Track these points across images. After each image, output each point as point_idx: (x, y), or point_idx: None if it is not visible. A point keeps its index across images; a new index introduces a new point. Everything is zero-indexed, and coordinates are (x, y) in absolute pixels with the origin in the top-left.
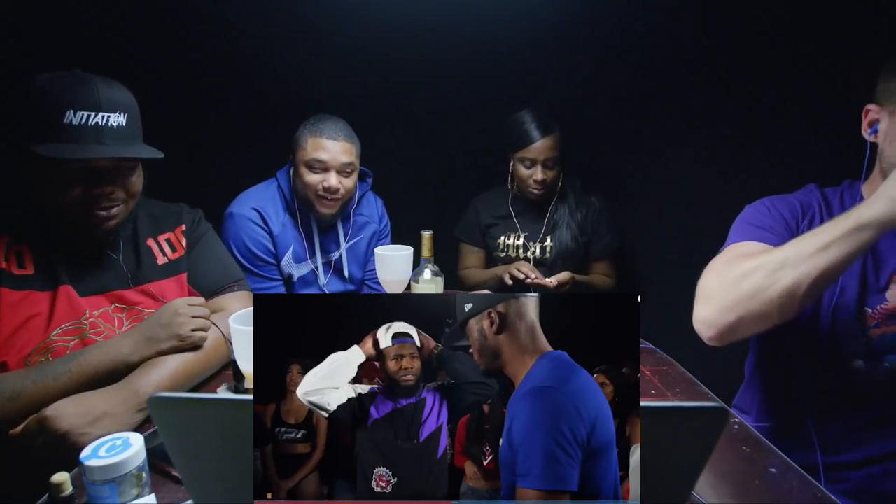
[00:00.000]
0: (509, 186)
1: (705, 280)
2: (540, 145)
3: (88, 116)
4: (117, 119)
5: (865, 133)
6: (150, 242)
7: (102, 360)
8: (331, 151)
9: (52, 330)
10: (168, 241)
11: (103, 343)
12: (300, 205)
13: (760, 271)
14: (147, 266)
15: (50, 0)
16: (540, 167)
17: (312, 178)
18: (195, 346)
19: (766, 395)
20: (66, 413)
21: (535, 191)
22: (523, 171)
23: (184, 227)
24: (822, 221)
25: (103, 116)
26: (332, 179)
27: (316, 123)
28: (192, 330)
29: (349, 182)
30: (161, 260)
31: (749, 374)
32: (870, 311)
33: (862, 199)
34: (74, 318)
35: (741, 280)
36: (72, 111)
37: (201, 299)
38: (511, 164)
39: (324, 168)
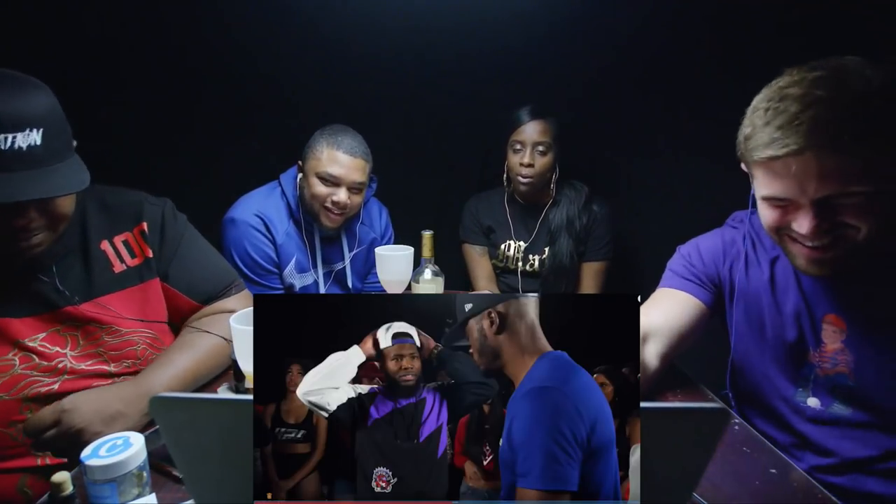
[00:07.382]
0: (505, 185)
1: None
2: (530, 127)
3: None
4: (27, 139)
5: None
6: (105, 246)
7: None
8: (346, 167)
9: None
10: (126, 243)
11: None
12: (304, 213)
13: None
14: (100, 275)
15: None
16: (528, 150)
17: (322, 189)
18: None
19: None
20: (83, 409)
21: (523, 179)
22: (514, 157)
23: (145, 225)
24: (746, 255)
25: (5, 139)
26: (342, 195)
27: (334, 135)
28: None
29: (358, 198)
30: (118, 267)
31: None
32: (815, 353)
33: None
34: (3, 353)
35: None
36: None
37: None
38: (506, 162)
39: (335, 182)
